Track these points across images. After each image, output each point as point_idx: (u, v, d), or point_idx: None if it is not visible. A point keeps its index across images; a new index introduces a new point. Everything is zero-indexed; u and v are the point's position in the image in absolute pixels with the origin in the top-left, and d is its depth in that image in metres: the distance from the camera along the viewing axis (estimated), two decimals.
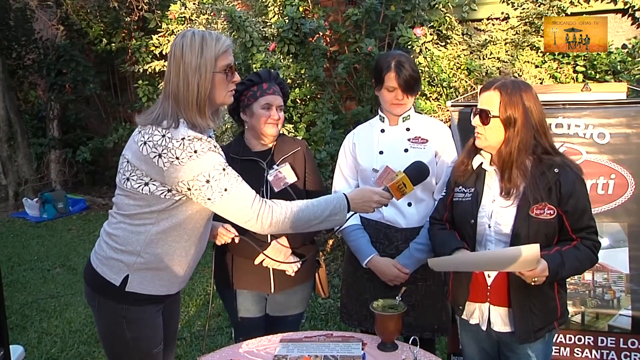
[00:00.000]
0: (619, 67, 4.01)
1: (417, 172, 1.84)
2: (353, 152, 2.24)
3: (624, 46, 4.19)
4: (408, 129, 2.18)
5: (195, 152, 1.62)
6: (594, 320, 2.46)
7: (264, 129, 2.14)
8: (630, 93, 3.01)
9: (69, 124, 8.12)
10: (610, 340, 2.44)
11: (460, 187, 1.92)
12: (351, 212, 1.79)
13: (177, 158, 1.62)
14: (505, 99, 1.75)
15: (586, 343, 2.46)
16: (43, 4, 7.07)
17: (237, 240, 2.02)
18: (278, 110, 2.15)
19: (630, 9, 4.18)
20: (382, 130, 2.20)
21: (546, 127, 1.82)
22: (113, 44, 7.10)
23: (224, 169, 1.66)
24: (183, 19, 5.61)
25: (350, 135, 2.29)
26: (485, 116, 1.78)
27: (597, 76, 4.08)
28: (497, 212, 1.82)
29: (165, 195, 1.68)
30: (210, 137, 1.75)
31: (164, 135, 1.63)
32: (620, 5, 4.16)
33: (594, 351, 2.46)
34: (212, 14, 5.42)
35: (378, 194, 1.80)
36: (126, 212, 1.74)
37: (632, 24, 4.26)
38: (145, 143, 1.65)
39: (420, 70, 2.88)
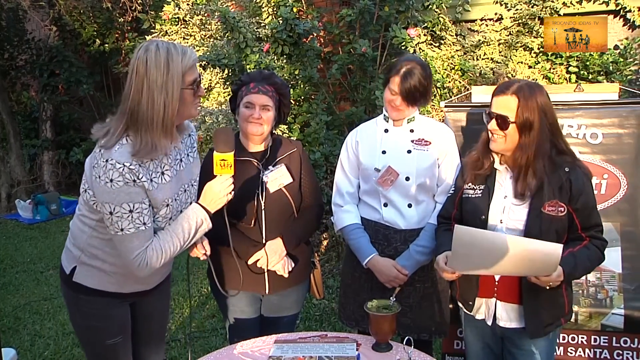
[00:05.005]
0: (611, 67, 4.04)
1: (222, 139, 1.80)
2: (355, 150, 2.22)
3: (616, 47, 4.21)
4: (412, 131, 2.17)
5: (112, 180, 1.60)
6: (587, 319, 2.47)
7: (246, 128, 2.13)
8: (623, 93, 3.03)
9: (62, 125, 8.07)
10: (603, 339, 2.46)
11: (470, 184, 1.93)
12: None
13: (99, 177, 1.62)
14: (523, 104, 1.76)
15: (579, 342, 2.48)
16: (35, 4, 7.02)
17: (202, 257, 1.94)
18: (262, 110, 2.10)
19: (622, 10, 4.20)
20: (386, 130, 2.19)
21: (559, 126, 1.85)
22: (106, 45, 7.06)
23: (131, 211, 1.63)
24: (177, 19, 5.59)
25: (354, 133, 2.27)
26: (503, 122, 1.78)
27: (590, 77, 4.10)
28: (509, 208, 1.85)
29: (97, 207, 1.70)
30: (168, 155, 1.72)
31: (99, 150, 1.64)
32: (612, 7, 4.19)
33: (587, 350, 2.47)
34: (205, 14, 5.41)
35: (216, 181, 1.76)
36: (79, 210, 1.82)
37: (623, 25, 4.28)
38: (93, 152, 1.70)
39: None
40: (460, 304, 2.04)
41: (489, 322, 1.92)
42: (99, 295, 1.81)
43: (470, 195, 1.93)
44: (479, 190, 1.90)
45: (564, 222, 1.80)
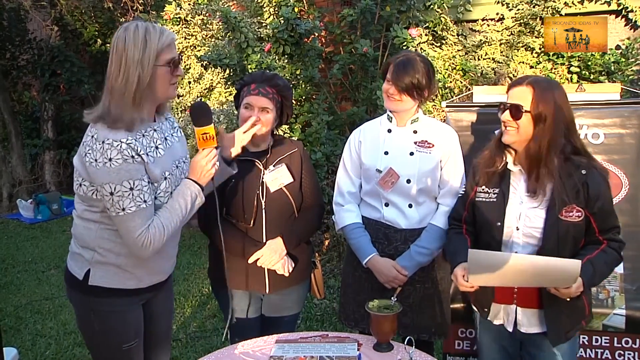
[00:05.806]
0: (612, 67, 4.04)
1: (199, 113, 1.82)
2: (358, 150, 2.21)
3: (618, 47, 4.21)
4: (415, 132, 2.15)
5: (110, 160, 1.62)
6: (589, 319, 2.46)
7: None
8: (624, 94, 3.03)
9: (64, 124, 8.08)
10: (605, 339, 2.45)
11: (483, 187, 1.88)
12: None
13: (96, 160, 1.63)
14: (538, 95, 1.73)
15: (581, 342, 2.47)
16: (37, 4, 7.03)
17: None
18: (260, 112, 2.10)
19: (623, 10, 4.20)
20: (389, 131, 2.18)
21: (575, 126, 1.82)
22: (108, 45, 7.06)
23: (131, 188, 1.64)
24: (178, 19, 5.61)
25: (357, 132, 2.26)
26: (517, 111, 1.75)
27: (592, 77, 4.10)
28: (525, 214, 1.80)
29: (96, 196, 1.69)
30: (144, 135, 1.72)
31: (92, 136, 1.65)
32: (614, 7, 4.19)
33: (588, 350, 2.47)
34: (207, 14, 5.42)
35: (201, 155, 1.80)
36: (77, 211, 1.79)
37: (625, 25, 4.28)
38: (82, 143, 1.69)
39: None
40: (475, 309, 2.01)
41: (509, 328, 1.88)
42: (117, 295, 1.79)
43: (484, 199, 1.88)
44: (494, 194, 1.85)
45: (581, 227, 1.76)
